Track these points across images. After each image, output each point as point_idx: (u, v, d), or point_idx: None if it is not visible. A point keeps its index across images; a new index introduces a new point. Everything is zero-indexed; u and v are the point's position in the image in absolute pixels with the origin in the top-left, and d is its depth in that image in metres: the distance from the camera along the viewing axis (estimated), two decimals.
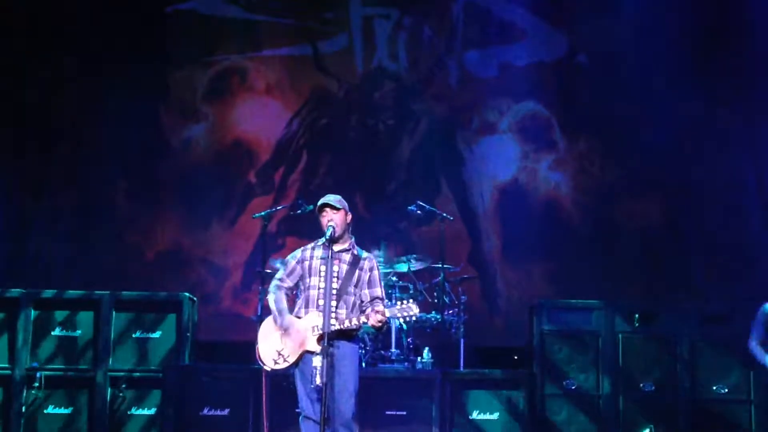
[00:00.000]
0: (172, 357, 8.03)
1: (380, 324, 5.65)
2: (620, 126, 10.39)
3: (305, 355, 5.65)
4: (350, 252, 5.84)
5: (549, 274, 10.35)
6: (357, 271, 5.81)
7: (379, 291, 5.88)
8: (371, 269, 5.88)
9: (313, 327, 5.64)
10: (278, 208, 9.36)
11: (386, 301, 5.96)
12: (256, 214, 8.89)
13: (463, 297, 8.88)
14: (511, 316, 10.18)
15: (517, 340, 9.12)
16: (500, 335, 10.16)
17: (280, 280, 5.86)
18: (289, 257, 5.93)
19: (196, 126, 10.74)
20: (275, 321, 5.79)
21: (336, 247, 5.78)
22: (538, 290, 10.12)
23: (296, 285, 5.87)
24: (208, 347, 9.05)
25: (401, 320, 5.67)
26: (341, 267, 5.77)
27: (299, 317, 5.77)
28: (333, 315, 5.60)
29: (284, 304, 5.78)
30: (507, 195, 10.58)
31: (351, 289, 5.79)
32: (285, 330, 5.69)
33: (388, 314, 5.64)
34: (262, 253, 8.72)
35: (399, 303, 5.69)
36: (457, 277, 9.07)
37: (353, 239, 5.88)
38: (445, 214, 8.80)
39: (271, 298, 5.84)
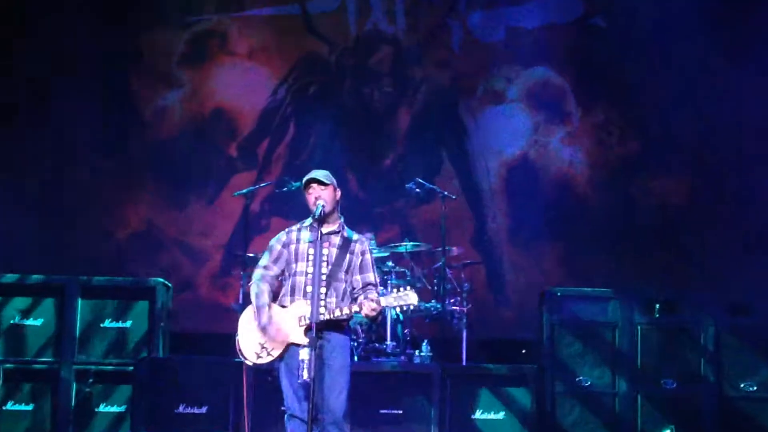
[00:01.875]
0: (144, 349, 8.04)
1: (374, 313, 5.61)
2: (640, 94, 10.41)
3: (291, 348, 5.63)
4: (339, 234, 5.81)
5: (561, 259, 10.38)
6: (347, 255, 5.77)
7: (372, 276, 5.85)
8: (363, 253, 5.84)
9: (300, 317, 5.63)
10: (262, 185, 9.36)
11: (380, 288, 5.95)
12: (238, 192, 8.89)
13: (465, 284, 8.93)
14: (519, 305, 10.22)
15: (525, 332, 9.14)
16: (506, 327, 10.19)
17: (265, 267, 5.84)
18: (272, 241, 5.90)
19: (171, 94, 10.73)
20: (254, 317, 5.78)
21: (324, 229, 5.75)
22: (549, 277, 10.15)
23: (283, 271, 5.86)
24: (183, 338, 9.06)
25: (397, 309, 5.62)
26: (330, 251, 5.74)
27: (284, 306, 5.75)
28: (322, 303, 5.59)
29: (266, 299, 5.74)
30: (515, 171, 10.59)
31: (341, 275, 5.76)
32: (263, 329, 5.67)
33: (383, 303, 5.55)
34: (243, 234, 8.74)
35: (395, 291, 5.66)
36: (460, 262, 9.09)
37: (342, 220, 5.85)
38: (446, 193, 8.82)
39: (253, 290, 5.82)
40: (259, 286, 5.79)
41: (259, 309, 5.73)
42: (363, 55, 10.78)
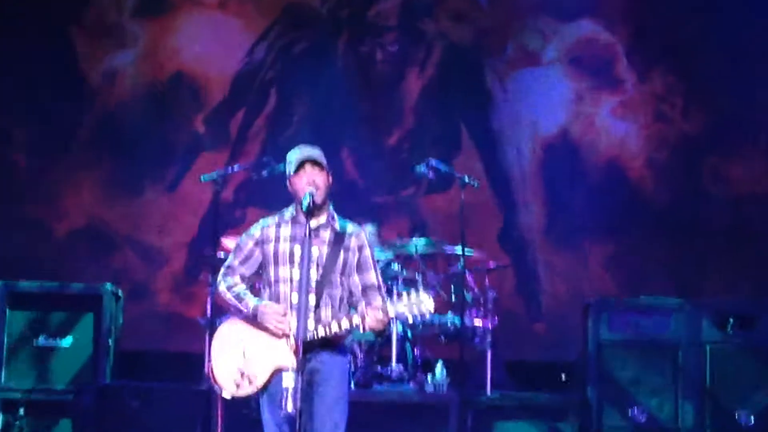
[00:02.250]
0: (88, 373, 8.08)
1: (380, 325, 5.54)
2: (710, 57, 10.38)
3: (277, 375, 5.58)
4: (329, 227, 5.76)
5: (610, 262, 10.36)
6: (341, 252, 5.71)
7: (373, 276, 5.77)
8: (360, 247, 5.76)
9: (287, 335, 5.58)
10: (236, 168, 9.24)
11: (384, 288, 5.84)
12: (206, 177, 8.81)
13: (491, 292, 8.92)
14: (557, 319, 10.21)
15: (565, 352, 9.18)
16: (542, 346, 10.19)
17: (230, 269, 5.80)
18: (243, 237, 5.83)
19: (123, 53, 10.72)
20: (242, 313, 5.71)
21: (313, 222, 5.66)
22: (595, 284, 10.15)
23: (254, 276, 5.82)
24: (138, 360, 9.09)
25: (409, 320, 5.54)
26: (321, 249, 5.69)
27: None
28: (312, 316, 5.55)
29: (243, 289, 5.72)
30: (553, 151, 10.57)
31: (336, 278, 5.70)
32: (259, 318, 5.61)
33: (390, 311, 5.54)
34: (213, 230, 8.73)
35: (405, 295, 5.56)
36: (484, 266, 9.07)
37: (332, 210, 5.81)
38: (467, 178, 8.74)
39: (222, 287, 5.77)
40: (227, 280, 5.76)
41: (239, 298, 5.68)
42: (362, 5, 10.77)
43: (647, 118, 10.62)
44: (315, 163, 5.65)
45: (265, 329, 5.61)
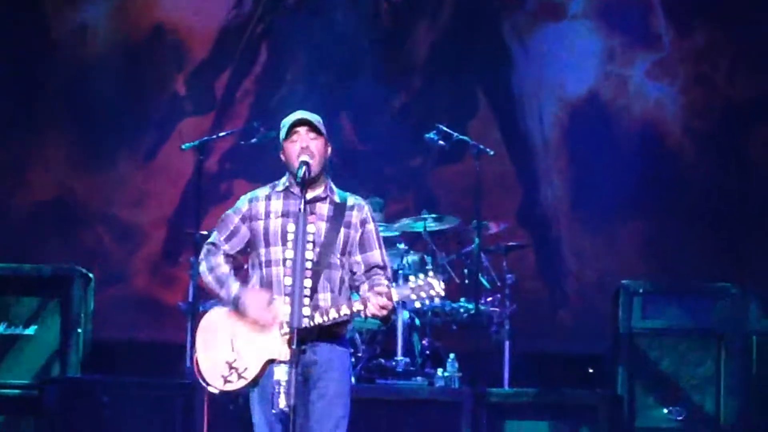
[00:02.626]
0: (56, 365, 8.08)
1: (384, 312, 5.48)
2: (760, 10, 10.36)
3: (270, 368, 5.56)
4: (327, 200, 5.72)
5: (644, 242, 10.39)
6: (341, 228, 5.69)
7: (378, 255, 5.72)
8: (363, 222, 5.72)
9: (280, 322, 5.53)
10: (221, 134, 9.34)
11: (390, 269, 5.82)
12: (187, 145, 8.86)
13: (509, 276, 9.00)
14: (584, 305, 10.24)
15: (593, 343, 9.19)
16: (566, 336, 10.23)
17: (213, 246, 5.76)
18: (228, 212, 5.78)
19: (93, 5, 10.73)
20: (222, 300, 5.71)
21: (308, 195, 5.60)
22: (627, 266, 10.12)
23: (239, 254, 5.79)
24: (110, 350, 9.04)
25: (417, 304, 5.59)
26: (318, 225, 5.67)
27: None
28: (307, 302, 5.49)
29: (225, 271, 5.69)
30: (580, 116, 10.59)
31: (335, 258, 5.66)
32: (240, 308, 5.61)
33: (395, 295, 5.46)
34: (195, 205, 8.77)
35: (413, 278, 5.52)
36: (502, 245, 9.15)
37: (330, 181, 5.78)
38: (483, 146, 8.79)
39: (203, 267, 5.75)
40: (209, 260, 5.73)
41: (220, 282, 5.66)
42: None
43: (687, 80, 10.64)
44: (310, 126, 5.63)
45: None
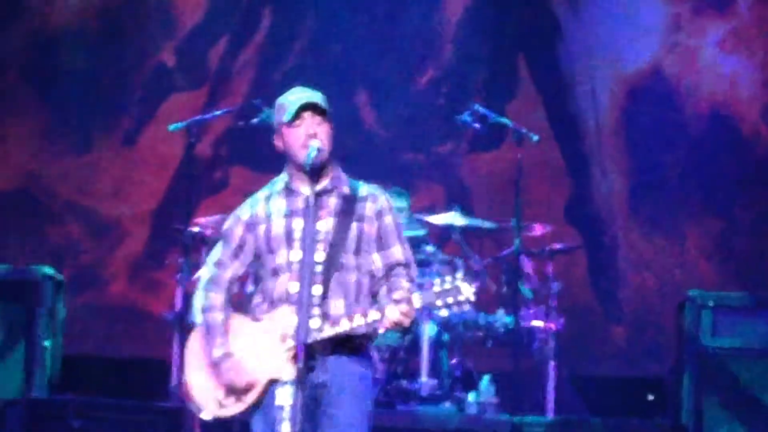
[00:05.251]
0: (17, 383, 8.11)
1: (404, 320, 5.45)
2: None
3: (273, 388, 5.56)
4: (335, 192, 5.71)
5: (714, 245, 10.34)
6: (354, 223, 5.66)
7: (398, 251, 5.67)
8: (380, 213, 5.70)
9: (284, 335, 5.54)
10: (216, 113, 9.32)
11: (413, 268, 5.80)
12: (176, 125, 8.85)
13: (554, 284, 8.96)
14: (643, 319, 10.22)
15: (653, 364, 9.32)
16: (622, 355, 10.20)
17: (219, 265, 5.75)
18: (228, 223, 5.80)
19: None
20: (204, 348, 5.73)
21: (315, 187, 5.65)
22: (695, 274, 10.13)
23: (248, 269, 5.80)
24: (82, 367, 9.12)
25: (442, 312, 5.48)
26: (326, 221, 5.63)
27: (259, 319, 5.68)
28: (316, 312, 5.49)
29: (219, 320, 5.70)
30: (641, 95, 10.54)
31: (348, 258, 5.62)
32: (216, 366, 5.62)
33: (418, 301, 5.41)
34: (185, 196, 8.85)
35: (438, 282, 5.46)
36: (546, 248, 9.13)
37: (338, 170, 5.76)
38: (524, 130, 8.79)
39: (198, 303, 5.76)
40: (207, 296, 5.72)
41: (210, 331, 5.68)
42: None
43: (766, 52, 10.51)
44: (317, 108, 5.60)
45: (258, 327, 5.61)
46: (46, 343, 8.20)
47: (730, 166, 10.40)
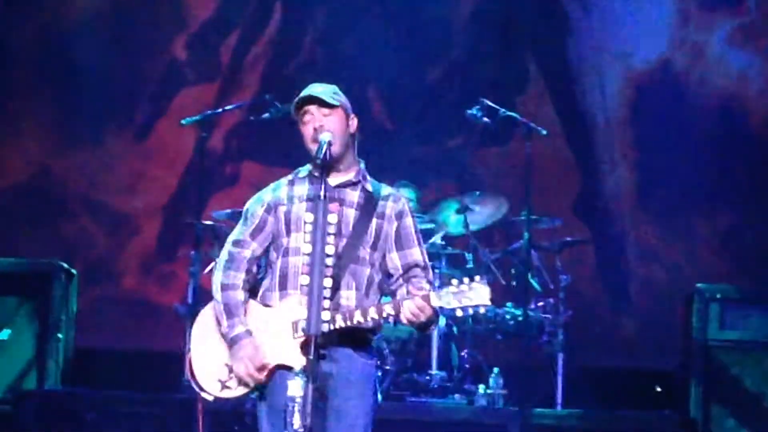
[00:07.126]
0: (31, 376, 8.17)
1: (422, 318, 5.48)
2: None
3: (279, 375, 5.59)
4: (359, 186, 5.77)
5: (722, 239, 10.41)
6: (373, 219, 5.73)
7: (417, 253, 5.75)
8: (400, 215, 5.76)
9: (295, 323, 5.59)
10: (228, 108, 9.32)
11: (430, 270, 5.82)
12: (187, 120, 8.90)
13: (564, 277, 9.09)
14: (652, 313, 10.26)
15: (661, 356, 9.29)
16: (630, 347, 10.27)
17: (238, 244, 5.79)
18: (251, 203, 5.84)
19: None
20: (220, 329, 5.73)
21: (334, 179, 5.71)
22: (703, 268, 10.14)
23: (268, 250, 5.82)
24: (95, 359, 9.19)
25: (457, 313, 5.47)
26: (345, 213, 5.70)
27: (269, 305, 5.71)
28: (327, 304, 5.50)
29: (239, 298, 5.73)
30: (650, 91, 10.60)
31: (364, 252, 5.70)
32: (234, 343, 5.64)
33: (436, 300, 5.45)
34: (197, 191, 8.86)
35: (454, 283, 5.49)
36: (556, 241, 9.26)
37: (363, 166, 5.82)
38: (533, 125, 8.83)
39: (218, 279, 5.78)
40: (227, 274, 5.76)
41: (229, 313, 5.70)
42: None
43: None
44: (319, 102, 5.67)
45: (269, 313, 5.65)
46: (59, 336, 8.29)
47: (738, 160, 10.47)
